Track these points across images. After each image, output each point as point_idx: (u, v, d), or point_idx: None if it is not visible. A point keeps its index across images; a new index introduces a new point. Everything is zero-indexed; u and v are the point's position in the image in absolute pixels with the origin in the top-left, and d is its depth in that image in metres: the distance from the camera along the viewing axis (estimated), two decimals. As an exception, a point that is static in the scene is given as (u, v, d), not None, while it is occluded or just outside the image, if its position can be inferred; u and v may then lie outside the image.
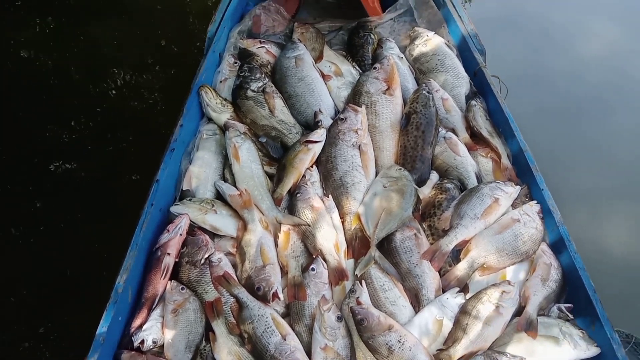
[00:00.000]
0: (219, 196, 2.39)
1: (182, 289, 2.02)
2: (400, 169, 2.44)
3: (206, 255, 2.11)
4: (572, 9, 5.32)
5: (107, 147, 4.02)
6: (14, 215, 3.59)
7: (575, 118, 4.24)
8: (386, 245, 2.20)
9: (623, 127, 4.16)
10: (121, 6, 5.29)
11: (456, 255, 2.20)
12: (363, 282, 2.02)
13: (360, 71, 3.04)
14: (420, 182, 2.46)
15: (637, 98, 4.35)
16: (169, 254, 2.09)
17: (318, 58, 3.06)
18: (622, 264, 3.35)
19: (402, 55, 3.12)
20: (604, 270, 3.02)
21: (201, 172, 2.44)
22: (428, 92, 2.70)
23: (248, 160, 2.43)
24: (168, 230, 2.14)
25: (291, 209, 2.33)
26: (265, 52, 3.06)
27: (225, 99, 2.73)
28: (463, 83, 2.92)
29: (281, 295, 2.02)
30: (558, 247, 2.20)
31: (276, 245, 2.20)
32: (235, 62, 2.96)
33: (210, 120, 2.72)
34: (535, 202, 2.32)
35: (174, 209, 2.24)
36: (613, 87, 4.44)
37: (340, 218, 2.33)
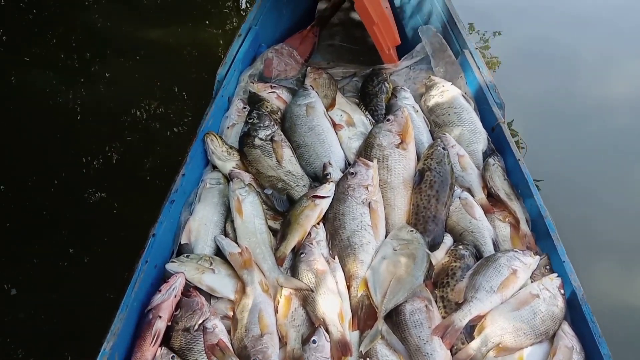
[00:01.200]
0: (219, 252, 2.26)
1: (173, 357, 1.87)
2: (412, 231, 2.30)
3: (200, 320, 1.96)
4: (602, 42, 5.16)
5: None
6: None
7: (599, 168, 4.04)
8: (394, 317, 2.04)
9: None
10: (144, 45, 5.25)
11: (469, 331, 2.03)
12: (368, 360, 1.86)
13: (373, 121, 2.94)
14: (433, 246, 2.31)
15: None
16: (160, 317, 1.95)
17: (330, 105, 2.95)
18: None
19: (417, 106, 3.01)
20: (632, 341, 2.85)
21: (201, 225, 2.32)
22: (443, 148, 2.58)
23: (251, 215, 2.30)
24: (161, 291, 2.00)
25: (294, 270, 2.19)
26: (275, 97, 2.97)
27: (232, 147, 2.62)
28: (480, 139, 2.79)
29: (278, 371, 1.86)
30: (580, 327, 2.03)
31: (276, 311, 2.05)
32: (245, 107, 2.86)
33: (214, 168, 2.61)
34: (556, 275, 2.17)
35: (169, 266, 2.11)
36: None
37: (346, 282, 2.19)
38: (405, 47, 3.46)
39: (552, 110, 4.29)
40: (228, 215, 2.38)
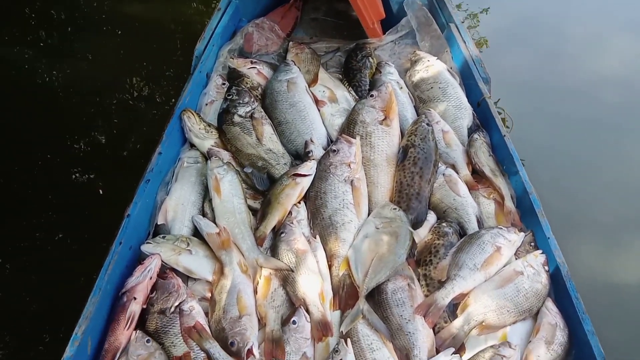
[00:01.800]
0: (197, 232, 2.19)
1: (148, 341, 1.82)
2: (395, 209, 2.25)
3: (177, 303, 1.91)
4: (590, 20, 5.08)
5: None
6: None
7: (585, 144, 3.99)
8: (376, 297, 2.00)
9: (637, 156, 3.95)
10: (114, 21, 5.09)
11: (452, 309, 2.00)
12: (349, 341, 1.82)
13: (357, 97, 2.86)
14: (416, 224, 2.26)
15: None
16: (135, 299, 1.89)
17: (312, 81, 2.87)
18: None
19: (402, 82, 2.93)
20: (616, 318, 2.84)
21: (178, 205, 2.25)
22: (428, 124, 2.52)
23: (230, 194, 2.23)
24: (135, 273, 1.93)
25: (274, 250, 2.13)
26: (256, 73, 2.88)
27: (210, 124, 2.54)
28: (465, 114, 2.73)
29: (257, 353, 1.81)
30: (564, 304, 2.00)
31: (255, 292, 1.99)
32: (224, 84, 2.77)
33: (192, 146, 2.53)
34: (540, 252, 2.13)
35: (144, 247, 2.04)
36: (629, 111, 4.22)
37: (328, 262, 2.14)
38: (390, 21, 3.36)
39: (539, 88, 4.23)
40: (206, 195, 2.32)
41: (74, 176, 3.84)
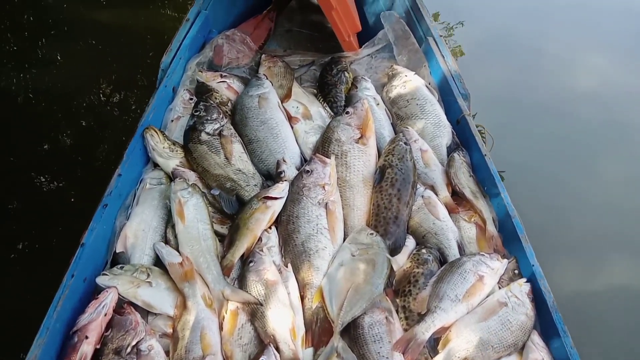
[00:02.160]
0: (159, 261, 2.03)
1: (100, 386, 1.64)
2: (372, 234, 2.12)
3: (134, 342, 1.74)
4: (565, 36, 5.06)
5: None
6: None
7: (561, 160, 3.94)
8: (352, 331, 1.86)
9: (611, 174, 3.92)
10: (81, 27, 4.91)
11: (433, 345, 1.87)
12: (322, 382, 1.67)
13: (332, 113, 2.73)
14: (395, 250, 2.14)
15: (628, 142, 4.11)
16: (87, 338, 1.71)
17: (285, 96, 2.74)
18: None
19: (379, 97, 2.82)
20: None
21: (139, 231, 2.08)
22: (405, 143, 2.40)
23: (195, 219, 2.07)
24: (88, 309, 1.76)
25: (242, 281, 1.98)
26: (226, 87, 2.73)
27: (175, 143, 2.38)
28: (444, 132, 2.63)
29: (221, 398, 1.66)
30: (550, 336, 1.89)
31: (221, 328, 1.84)
32: (191, 99, 2.62)
33: (156, 166, 2.36)
34: (524, 280, 2.02)
35: (100, 280, 1.87)
36: (604, 128, 4.20)
37: (300, 292, 2.00)
38: (366, 34, 3.27)
39: (515, 102, 4.18)
40: (169, 220, 2.15)
41: (39, 182, 3.64)
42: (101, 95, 4.44)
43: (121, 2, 5.39)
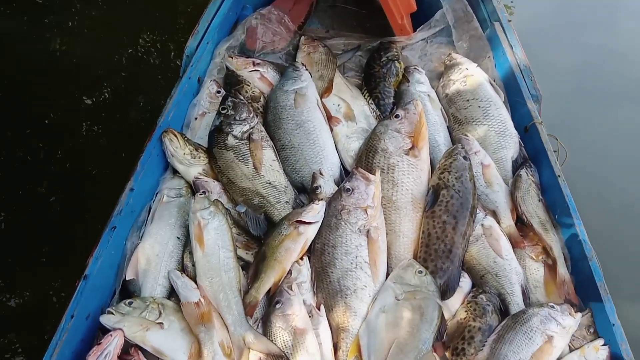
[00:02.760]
0: (174, 291, 1.77)
1: None
2: (420, 272, 1.80)
3: (139, 398, 1.50)
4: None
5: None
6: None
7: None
8: (392, 398, 1.58)
9: None
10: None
11: (490, 420, 1.57)
12: None
13: (378, 113, 2.37)
14: (447, 291, 1.83)
15: None
16: (87, 393, 1.48)
17: (326, 90, 2.39)
18: None
19: (433, 93, 2.44)
20: None
21: (152, 255, 1.82)
22: (465, 158, 2.04)
23: (215, 245, 1.79)
24: (90, 357, 1.52)
25: (266, 324, 1.71)
26: (259, 77, 2.39)
27: (198, 147, 2.08)
28: (510, 143, 2.24)
29: None
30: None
31: (240, 383, 1.58)
32: (218, 92, 2.30)
33: (175, 172, 2.08)
34: (601, 342, 1.69)
35: (104, 319, 1.62)
36: None
37: (334, 339, 1.72)
38: (421, 13, 2.83)
39: (584, 93, 3.60)
40: (188, 241, 1.87)
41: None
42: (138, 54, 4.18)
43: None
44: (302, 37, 2.60)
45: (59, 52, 4.15)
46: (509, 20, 2.65)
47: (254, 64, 2.41)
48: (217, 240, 1.80)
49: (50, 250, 2.99)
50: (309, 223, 1.85)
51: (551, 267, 1.92)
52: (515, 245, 1.96)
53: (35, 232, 3.06)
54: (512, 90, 2.43)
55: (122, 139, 3.45)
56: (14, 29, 4.23)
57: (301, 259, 1.85)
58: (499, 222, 2.02)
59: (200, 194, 1.89)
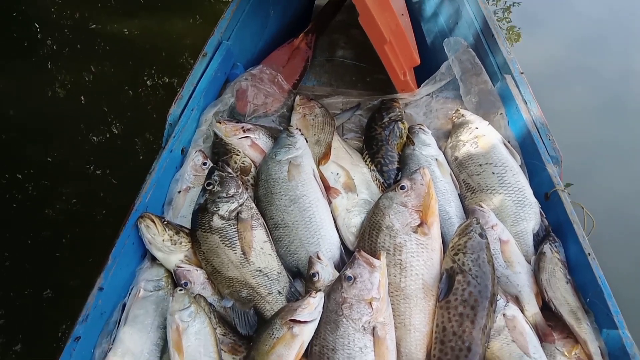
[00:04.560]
0: (149, 409, 1.51)
1: None
2: (435, 378, 1.54)
3: None
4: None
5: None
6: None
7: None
8: None
9: None
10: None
11: None
12: None
13: (382, 180, 2.15)
14: (466, 401, 1.55)
15: None
16: None
17: (324, 156, 2.18)
18: None
19: (441, 156, 2.22)
20: None
21: (125, 365, 1.57)
22: (481, 235, 1.80)
23: (197, 353, 1.55)
24: None
25: None
26: (249, 145, 2.19)
27: (179, 231, 1.85)
28: (531, 214, 2.01)
29: None
30: None
31: None
32: (204, 164, 2.08)
33: (154, 259, 1.85)
34: None
35: None
36: None
37: None
38: (424, 65, 2.64)
39: (603, 144, 3.38)
40: (166, 346, 1.63)
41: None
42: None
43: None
44: (297, 97, 2.41)
45: (61, 95, 4.14)
46: (521, 73, 2.44)
47: (244, 129, 2.20)
48: (198, 347, 1.56)
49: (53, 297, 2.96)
50: (305, 322, 1.60)
51: (586, 366, 1.65)
52: (543, 338, 1.70)
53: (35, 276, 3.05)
54: (528, 151, 2.20)
55: (125, 181, 3.44)
56: (16, 73, 4.20)
57: (296, 365, 1.59)
58: (522, 310, 1.76)
59: (180, 290, 1.66)
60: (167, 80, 4.43)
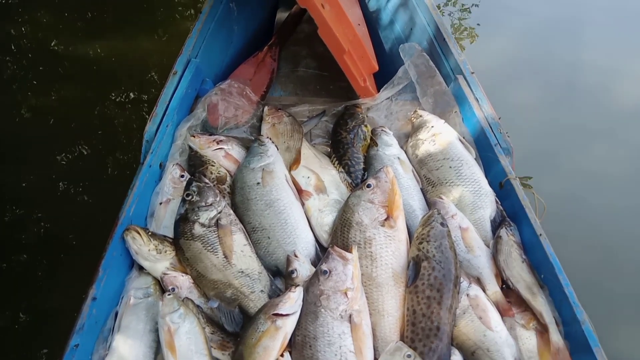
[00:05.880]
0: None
1: None
2: (409, 356, 1.70)
3: None
4: (606, 47, 4.31)
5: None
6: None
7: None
8: None
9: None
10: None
11: None
12: None
13: (349, 180, 2.30)
14: (438, 374, 1.72)
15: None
16: None
17: (294, 162, 2.32)
18: None
19: (403, 155, 2.39)
20: None
21: (121, 368, 1.68)
22: (442, 224, 1.97)
23: (189, 350, 1.67)
24: None
25: None
26: (224, 156, 2.32)
27: (163, 240, 1.97)
28: (487, 202, 2.19)
29: None
30: None
31: None
32: (182, 176, 2.20)
33: (142, 269, 1.96)
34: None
35: None
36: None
37: None
38: (382, 70, 2.81)
39: (553, 128, 3.62)
40: (160, 349, 1.74)
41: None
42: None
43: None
44: (266, 108, 2.54)
45: (29, 118, 4.15)
46: (472, 72, 2.64)
47: (217, 141, 2.33)
48: (189, 345, 1.68)
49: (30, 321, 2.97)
50: (287, 315, 1.74)
51: (544, 334, 1.83)
52: (503, 313, 1.88)
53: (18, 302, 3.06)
54: (482, 145, 2.39)
55: (100, 198, 3.49)
56: None
57: (282, 355, 1.72)
58: (484, 290, 1.93)
59: (169, 294, 1.78)
60: (135, 97, 4.48)
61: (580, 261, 2.65)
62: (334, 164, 2.38)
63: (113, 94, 4.44)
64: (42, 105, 4.31)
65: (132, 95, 4.48)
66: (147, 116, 3.87)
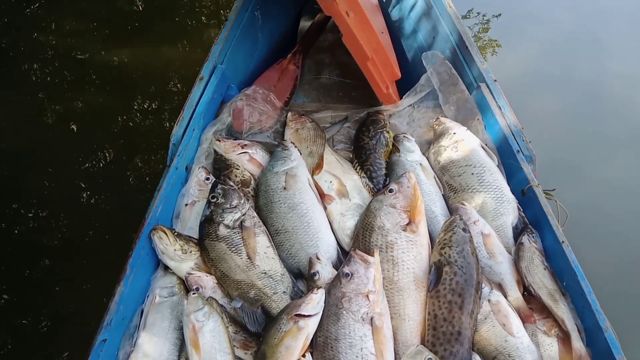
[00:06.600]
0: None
1: None
2: (430, 359, 1.70)
3: None
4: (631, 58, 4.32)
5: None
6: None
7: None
8: None
9: None
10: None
11: None
12: None
13: (371, 186, 2.33)
14: (459, 379, 1.72)
15: None
16: None
17: (317, 167, 2.35)
18: None
19: (425, 161, 2.40)
20: None
21: (146, 365, 1.71)
22: (464, 230, 1.97)
23: (212, 349, 1.70)
24: None
25: None
26: (248, 160, 2.36)
27: (189, 241, 2.01)
28: (509, 209, 2.19)
29: None
30: None
31: None
32: (207, 179, 2.25)
33: (167, 268, 2.00)
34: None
35: None
36: None
37: None
38: (405, 78, 2.84)
39: (577, 138, 3.60)
40: (184, 345, 1.78)
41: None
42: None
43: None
44: (289, 113, 2.58)
45: (53, 125, 4.24)
46: (495, 80, 2.65)
47: (242, 146, 2.37)
48: (213, 343, 1.71)
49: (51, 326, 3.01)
50: (309, 316, 1.76)
51: (565, 341, 1.83)
52: (525, 320, 1.88)
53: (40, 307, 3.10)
54: (505, 152, 2.40)
55: (121, 205, 3.56)
56: (6, 105, 4.30)
57: (304, 355, 1.75)
58: (505, 296, 1.94)
59: (193, 294, 1.81)
60: (157, 106, 4.54)
61: (603, 270, 2.63)
62: (356, 169, 2.40)
63: (136, 102, 4.51)
64: (67, 112, 4.38)
65: (154, 104, 4.54)
66: (168, 124, 3.97)
